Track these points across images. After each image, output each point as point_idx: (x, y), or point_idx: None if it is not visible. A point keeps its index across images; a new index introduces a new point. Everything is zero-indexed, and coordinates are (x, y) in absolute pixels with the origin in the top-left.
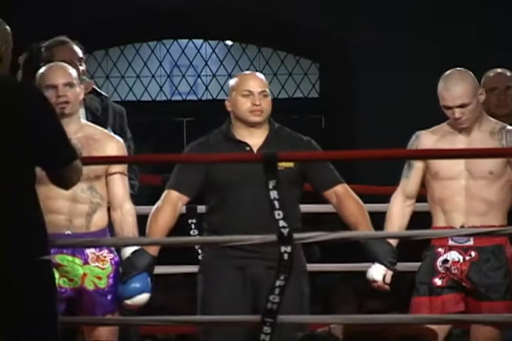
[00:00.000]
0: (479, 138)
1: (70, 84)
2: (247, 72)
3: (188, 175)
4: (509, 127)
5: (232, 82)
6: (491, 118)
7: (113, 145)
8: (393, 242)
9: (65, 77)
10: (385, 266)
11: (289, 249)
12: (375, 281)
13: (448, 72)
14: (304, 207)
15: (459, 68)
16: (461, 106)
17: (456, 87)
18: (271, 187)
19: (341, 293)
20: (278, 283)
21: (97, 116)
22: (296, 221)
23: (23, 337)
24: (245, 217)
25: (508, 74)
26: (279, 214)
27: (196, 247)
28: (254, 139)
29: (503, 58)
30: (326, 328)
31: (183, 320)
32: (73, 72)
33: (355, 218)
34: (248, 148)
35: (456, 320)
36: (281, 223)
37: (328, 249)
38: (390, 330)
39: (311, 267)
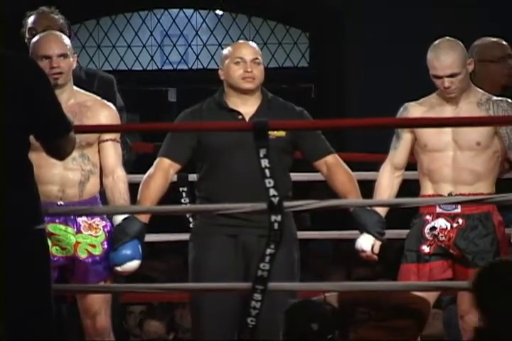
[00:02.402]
0: (467, 108)
1: (64, 55)
2: (240, 41)
3: (180, 143)
4: (495, 98)
5: (225, 50)
6: (478, 89)
7: (105, 112)
8: (382, 213)
9: (60, 48)
10: (374, 236)
11: (279, 218)
12: (363, 251)
13: (437, 41)
14: (293, 176)
15: (448, 37)
16: (451, 75)
17: (446, 57)
18: (261, 155)
19: (330, 261)
20: (268, 251)
21: (77, 84)
22: (287, 189)
23: (17, 307)
24: (236, 184)
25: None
26: (269, 183)
27: (187, 215)
28: (247, 108)
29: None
30: (321, 296)
31: (174, 287)
32: (67, 42)
33: (345, 188)
34: (240, 117)
35: (445, 287)
36: (272, 191)
37: (318, 217)
38: (384, 298)
39: (301, 234)
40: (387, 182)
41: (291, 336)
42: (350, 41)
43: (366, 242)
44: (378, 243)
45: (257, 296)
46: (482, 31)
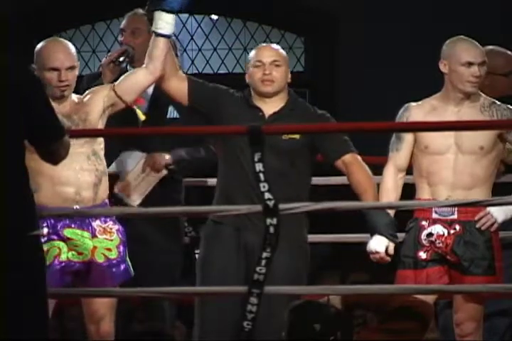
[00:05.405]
0: (469, 112)
1: (72, 67)
2: (263, 44)
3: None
4: (499, 103)
5: (249, 54)
6: (480, 93)
7: (92, 92)
8: (391, 214)
9: (69, 61)
10: (387, 237)
11: (274, 221)
12: (377, 252)
13: (455, 38)
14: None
15: None
16: (482, 63)
17: (477, 46)
18: (256, 159)
19: (325, 265)
20: (264, 254)
21: None
22: (303, 191)
23: (11, 314)
24: (240, 185)
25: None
26: (264, 187)
27: (186, 225)
28: (270, 108)
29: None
30: (325, 298)
31: (172, 291)
32: (74, 51)
33: (361, 187)
34: (261, 114)
35: (439, 291)
36: (267, 195)
37: (315, 221)
38: (388, 301)
39: None
40: (393, 183)
41: (293, 335)
42: (345, 45)
43: (379, 244)
44: (392, 244)
45: (253, 300)
46: (482, 31)
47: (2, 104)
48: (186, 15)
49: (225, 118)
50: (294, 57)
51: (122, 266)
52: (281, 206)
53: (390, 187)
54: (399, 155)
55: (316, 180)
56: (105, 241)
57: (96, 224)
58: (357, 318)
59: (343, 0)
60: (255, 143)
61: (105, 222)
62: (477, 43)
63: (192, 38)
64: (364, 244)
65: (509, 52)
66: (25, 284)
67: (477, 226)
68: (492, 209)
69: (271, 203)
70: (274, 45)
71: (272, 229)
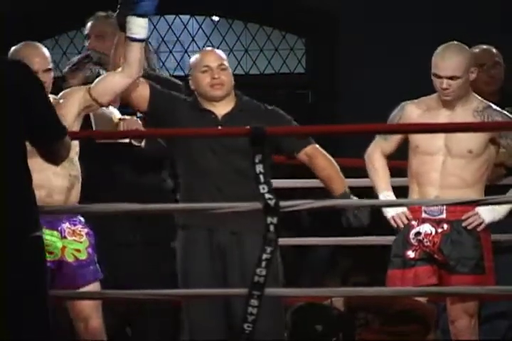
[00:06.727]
0: (462, 115)
1: (49, 70)
2: (206, 48)
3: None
4: (494, 107)
5: (191, 60)
6: (477, 97)
7: (65, 93)
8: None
9: (46, 63)
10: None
11: (275, 220)
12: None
13: (448, 43)
14: (290, 182)
15: (458, 42)
16: (451, 78)
17: (451, 58)
18: (257, 161)
19: (325, 268)
20: (264, 256)
21: None
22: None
23: (11, 315)
24: (207, 188)
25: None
26: (263, 188)
27: None
28: (221, 110)
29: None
30: (328, 301)
31: (166, 294)
32: (48, 53)
33: (326, 173)
34: (213, 116)
35: (438, 292)
36: (267, 196)
37: (318, 222)
38: (390, 304)
39: (299, 241)
40: (383, 164)
41: (295, 337)
42: (345, 45)
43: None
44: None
45: (254, 302)
46: (482, 31)
47: (2, 105)
48: (187, 16)
49: (180, 123)
50: (296, 58)
51: (91, 267)
52: (282, 204)
53: (382, 167)
54: (386, 143)
55: (312, 183)
56: (74, 243)
57: (65, 226)
58: (359, 320)
59: (343, 0)
60: (257, 145)
61: (74, 224)
62: (461, 55)
63: (193, 39)
64: (365, 246)
65: (487, 48)
66: (25, 285)
67: (463, 224)
68: (480, 210)
69: (272, 202)
70: (216, 49)
71: (272, 228)
